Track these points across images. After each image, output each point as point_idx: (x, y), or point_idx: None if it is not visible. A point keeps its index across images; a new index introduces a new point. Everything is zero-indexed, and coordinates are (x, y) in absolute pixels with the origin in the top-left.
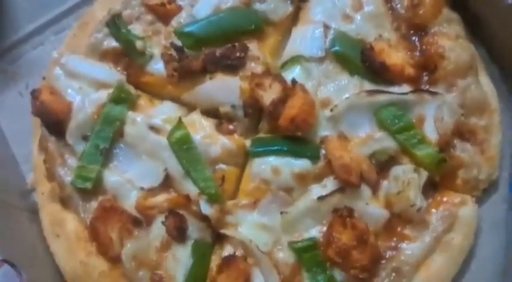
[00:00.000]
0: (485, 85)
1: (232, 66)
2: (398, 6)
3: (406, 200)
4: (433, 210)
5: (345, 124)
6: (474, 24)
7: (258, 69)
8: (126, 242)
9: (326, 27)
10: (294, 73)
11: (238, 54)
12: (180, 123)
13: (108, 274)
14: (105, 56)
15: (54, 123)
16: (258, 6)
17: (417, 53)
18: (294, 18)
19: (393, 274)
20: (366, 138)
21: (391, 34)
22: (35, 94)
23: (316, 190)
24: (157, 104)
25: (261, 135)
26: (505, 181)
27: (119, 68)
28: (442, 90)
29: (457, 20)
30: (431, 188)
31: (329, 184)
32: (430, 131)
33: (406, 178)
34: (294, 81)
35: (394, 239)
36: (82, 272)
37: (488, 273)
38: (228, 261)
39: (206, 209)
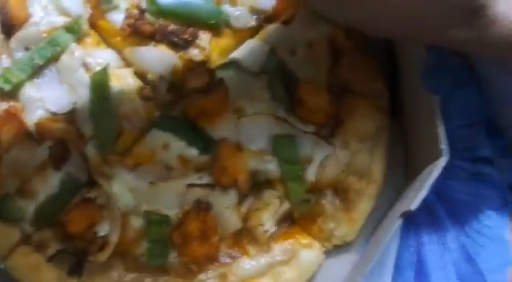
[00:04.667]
0: (360, 158)
1: (176, 44)
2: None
3: (258, 218)
4: (281, 240)
5: (244, 135)
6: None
7: (198, 57)
8: (12, 149)
9: (273, 51)
10: (226, 75)
11: (186, 36)
12: (105, 69)
13: None
14: None
15: (7, 25)
16: (225, 7)
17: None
18: (253, 33)
19: (218, 278)
20: (256, 154)
21: (324, 80)
22: None
23: (192, 178)
24: (102, 48)
25: (172, 113)
26: (359, 248)
27: (88, 5)
28: (338, 144)
29: (383, 95)
30: (290, 222)
31: (204, 178)
32: (310, 173)
33: (268, 200)
34: (220, 81)
35: (236, 249)
36: None
37: None
38: (84, 201)
39: (90, 150)
